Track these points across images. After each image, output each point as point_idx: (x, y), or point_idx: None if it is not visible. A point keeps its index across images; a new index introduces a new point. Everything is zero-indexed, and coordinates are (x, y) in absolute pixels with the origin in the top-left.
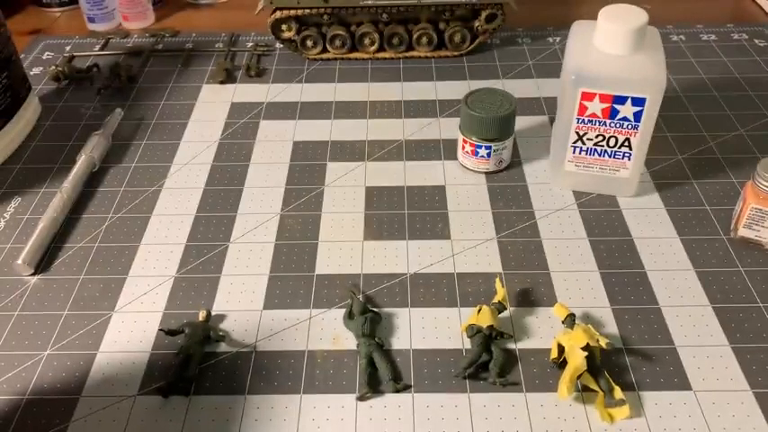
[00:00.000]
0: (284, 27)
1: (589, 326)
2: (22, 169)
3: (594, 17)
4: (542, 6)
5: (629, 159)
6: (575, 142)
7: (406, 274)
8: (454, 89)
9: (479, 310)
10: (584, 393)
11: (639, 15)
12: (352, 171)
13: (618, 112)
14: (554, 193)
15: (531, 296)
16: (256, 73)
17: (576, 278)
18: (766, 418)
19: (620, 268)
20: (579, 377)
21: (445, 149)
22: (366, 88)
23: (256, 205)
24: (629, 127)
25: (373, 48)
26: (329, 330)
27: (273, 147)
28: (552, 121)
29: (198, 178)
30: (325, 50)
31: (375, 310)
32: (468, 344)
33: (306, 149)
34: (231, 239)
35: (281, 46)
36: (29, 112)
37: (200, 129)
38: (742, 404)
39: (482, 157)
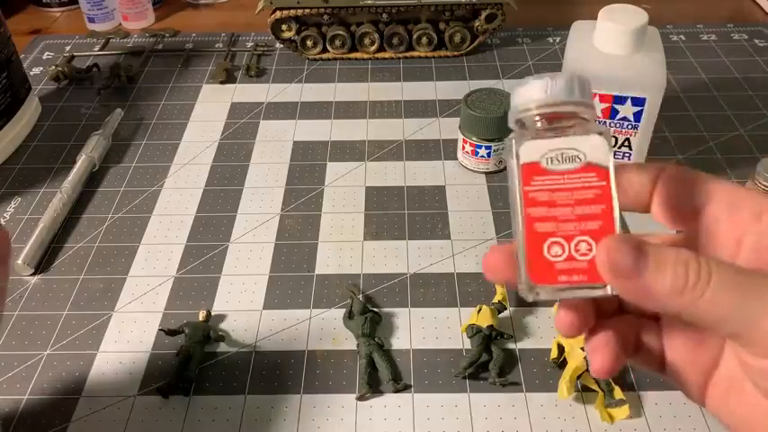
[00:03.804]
0: (284, 27)
1: None
2: (22, 169)
3: (594, 17)
4: (542, 6)
5: (629, 159)
6: None
7: (406, 274)
8: (454, 89)
9: (479, 310)
10: (584, 393)
11: (639, 15)
12: (352, 171)
13: (618, 112)
14: None
15: None
16: (256, 73)
17: None
18: None
19: None
20: (579, 377)
21: (445, 149)
22: (366, 88)
23: (256, 205)
24: (629, 127)
25: (373, 48)
26: (329, 330)
27: (273, 147)
28: None
29: (198, 178)
30: (325, 50)
31: (375, 310)
32: (468, 344)
33: (306, 149)
34: (231, 239)
35: (281, 46)
36: (29, 112)
37: (200, 129)
38: None
39: (482, 157)
